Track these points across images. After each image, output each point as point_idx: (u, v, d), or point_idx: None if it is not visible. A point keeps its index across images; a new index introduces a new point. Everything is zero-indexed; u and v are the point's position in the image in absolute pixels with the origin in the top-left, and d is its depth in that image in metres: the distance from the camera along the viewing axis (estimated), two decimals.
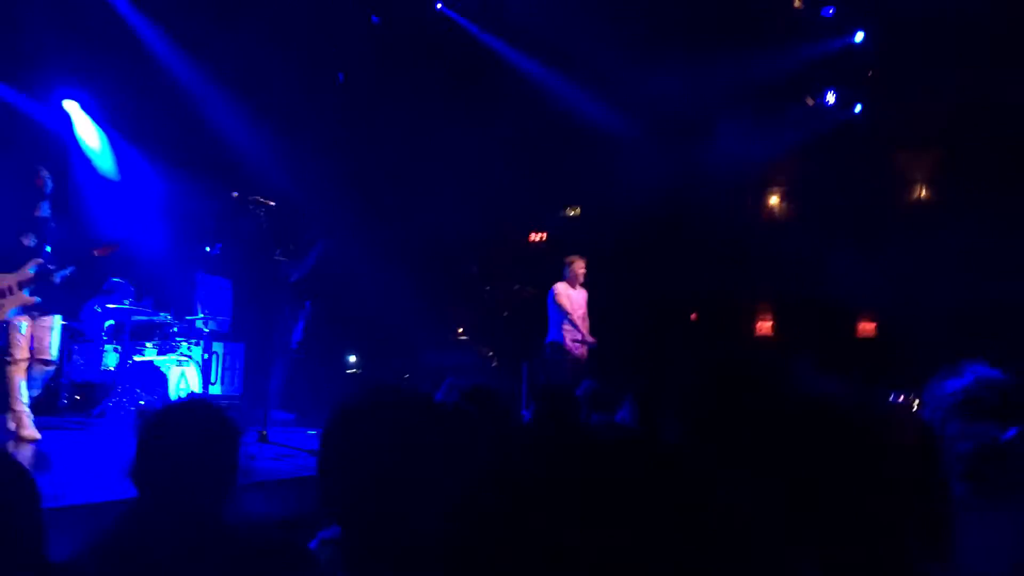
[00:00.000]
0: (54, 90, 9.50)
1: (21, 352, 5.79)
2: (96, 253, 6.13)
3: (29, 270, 5.95)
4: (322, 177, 10.31)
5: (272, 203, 5.94)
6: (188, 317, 8.50)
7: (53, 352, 5.98)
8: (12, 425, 5.67)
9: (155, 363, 7.87)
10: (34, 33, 8.48)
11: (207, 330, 8.57)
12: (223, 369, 9.37)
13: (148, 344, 7.99)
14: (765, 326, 12.15)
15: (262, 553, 1.99)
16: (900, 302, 9.51)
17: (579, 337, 8.28)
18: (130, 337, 7.69)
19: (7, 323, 5.85)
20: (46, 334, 5.94)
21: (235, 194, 6.01)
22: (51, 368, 6.09)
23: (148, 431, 1.95)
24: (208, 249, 9.51)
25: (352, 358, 12.30)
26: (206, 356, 8.54)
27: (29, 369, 5.85)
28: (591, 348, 8.30)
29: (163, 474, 1.90)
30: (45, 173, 6.05)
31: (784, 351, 10.78)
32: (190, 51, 9.81)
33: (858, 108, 10.80)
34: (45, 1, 8.69)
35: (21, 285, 5.87)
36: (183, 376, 8.14)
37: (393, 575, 1.41)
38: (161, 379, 7.77)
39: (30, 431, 5.67)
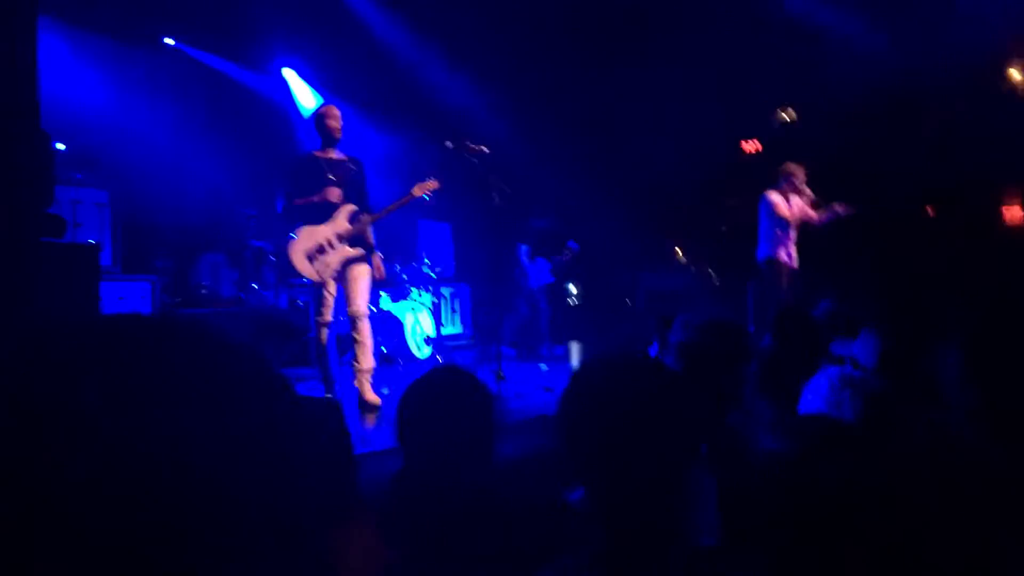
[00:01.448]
0: (272, 60, 10.11)
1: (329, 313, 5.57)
2: (416, 193, 5.86)
3: (345, 221, 5.66)
4: (532, 125, 10.36)
5: (485, 149, 6.02)
6: (415, 264, 8.89)
7: (361, 305, 5.66)
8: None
9: (391, 311, 8.30)
10: (248, 7, 9.00)
11: (434, 275, 8.93)
12: (452, 311, 9.81)
13: (382, 293, 8.44)
14: (1015, 214, 11.07)
15: (527, 513, 2.06)
16: None
17: (794, 251, 7.89)
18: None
19: (323, 283, 5.56)
20: (356, 285, 5.65)
21: (448, 143, 6.14)
22: (366, 323, 5.73)
23: (406, 403, 2.05)
24: (426, 197, 9.85)
25: (573, 288, 12.45)
26: (436, 300, 8.92)
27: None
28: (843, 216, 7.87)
29: (427, 446, 2.00)
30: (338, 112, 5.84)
31: None
32: (394, 8, 10.07)
33: None
34: None
35: (340, 237, 5.61)
36: (417, 321, 8.57)
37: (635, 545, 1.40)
38: (398, 325, 8.20)
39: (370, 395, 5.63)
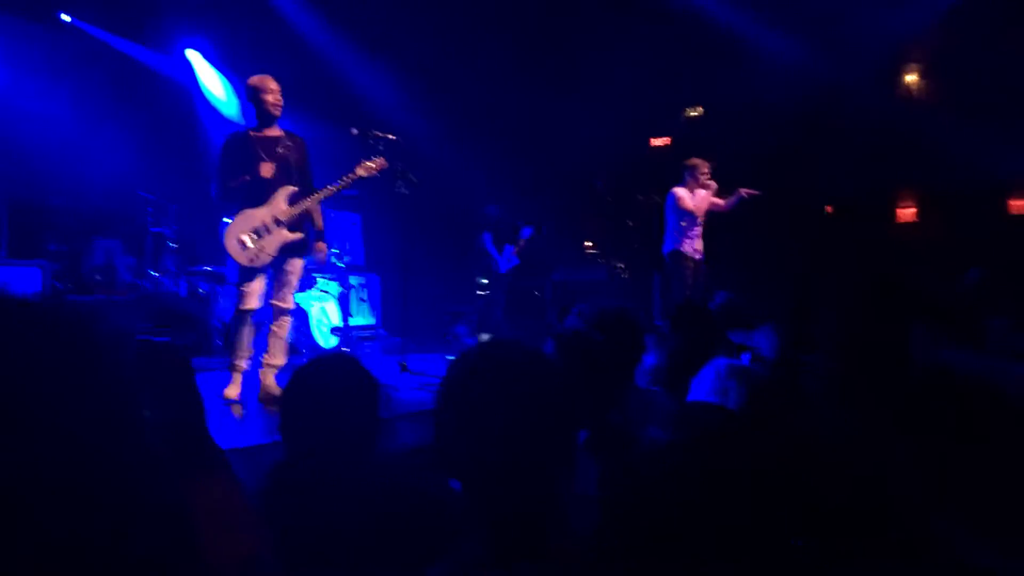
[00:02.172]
0: (176, 41, 9.79)
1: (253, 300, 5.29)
2: (360, 173, 5.55)
3: (284, 203, 5.30)
4: (441, 107, 10.29)
5: (392, 136, 5.93)
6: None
7: (289, 299, 5.49)
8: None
9: (296, 301, 8.14)
10: None
11: (342, 265, 8.80)
12: (360, 301, 9.68)
13: None
14: (907, 214, 11.53)
15: (409, 496, 2.03)
16: None
17: (699, 244, 8.06)
18: None
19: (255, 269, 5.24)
20: (287, 278, 5.44)
21: (354, 131, 6.02)
22: (288, 319, 5.57)
23: (290, 392, 2.00)
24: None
25: (483, 280, 12.45)
26: (343, 290, 8.79)
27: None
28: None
29: (308, 433, 1.95)
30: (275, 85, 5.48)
31: (929, 240, 10.24)
32: None
33: None
34: None
35: (278, 220, 5.27)
36: (323, 311, 8.43)
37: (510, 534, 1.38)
38: (303, 316, 8.05)
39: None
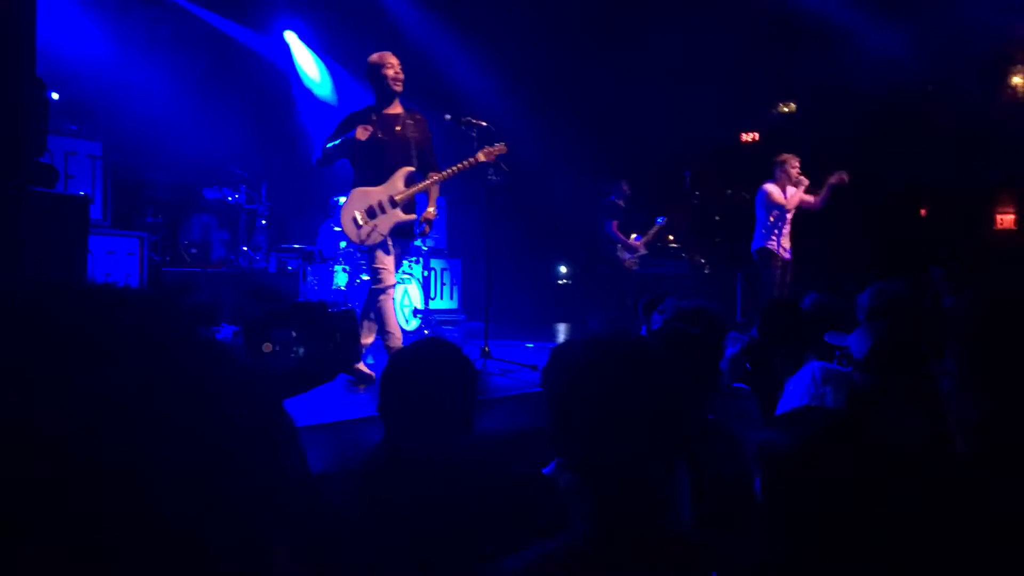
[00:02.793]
0: (275, 22, 10.02)
1: (390, 276, 5.40)
2: (481, 157, 5.58)
3: (401, 183, 5.34)
4: (533, 97, 10.30)
5: (484, 123, 5.95)
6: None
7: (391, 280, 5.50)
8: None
9: None
10: None
11: (425, 248, 8.89)
12: (442, 285, 9.79)
13: None
14: (1007, 219, 11.12)
15: (504, 482, 2.06)
16: None
17: (788, 243, 7.92)
18: (357, 256, 8.07)
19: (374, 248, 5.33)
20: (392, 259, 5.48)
21: (448, 116, 6.06)
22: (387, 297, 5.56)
23: (389, 373, 2.05)
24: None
25: (563, 268, 12.46)
26: (426, 273, 8.89)
27: None
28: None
29: (409, 410, 2.00)
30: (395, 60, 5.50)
31: None
32: None
33: None
34: None
35: (393, 201, 5.32)
36: (406, 293, 8.54)
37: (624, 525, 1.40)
38: None
39: None
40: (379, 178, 5.33)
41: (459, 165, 5.54)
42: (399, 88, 5.41)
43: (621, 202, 9.52)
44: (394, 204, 5.32)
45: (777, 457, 1.26)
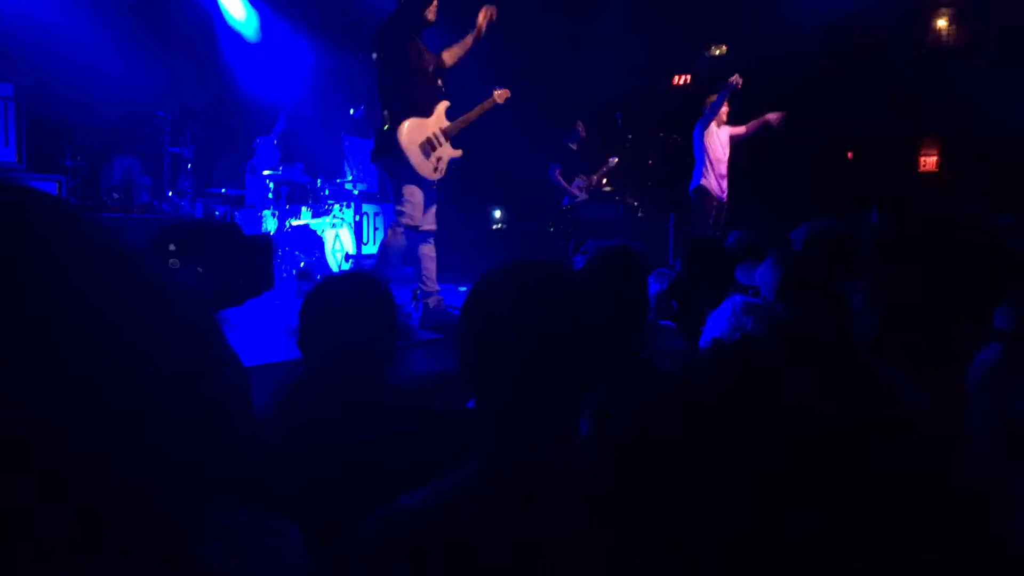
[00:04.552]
0: None
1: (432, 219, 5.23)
2: (498, 99, 5.50)
3: (444, 118, 5.20)
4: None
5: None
6: (338, 180, 8.72)
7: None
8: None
9: (311, 226, 8.17)
10: None
11: (356, 192, 8.79)
12: (374, 229, 9.69)
13: (303, 208, 8.28)
14: (929, 162, 11.40)
15: (424, 415, 2.06)
16: None
17: (723, 184, 8.03)
18: (286, 202, 7.96)
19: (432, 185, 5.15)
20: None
21: (374, 55, 5.94)
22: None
23: (308, 305, 2.03)
24: (352, 112, 9.65)
25: (497, 213, 12.43)
26: (357, 218, 8.79)
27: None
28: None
29: (326, 343, 1.98)
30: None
31: (950, 190, 10.15)
32: None
33: None
34: None
35: (445, 134, 5.18)
36: (337, 238, 8.46)
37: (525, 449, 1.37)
38: (317, 241, 8.08)
39: None
40: (426, 110, 5.15)
41: (480, 107, 5.47)
42: (433, 18, 5.29)
43: (574, 145, 9.45)
44: (446, 137, 5.18)
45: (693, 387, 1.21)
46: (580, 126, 9.39)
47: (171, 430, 0.59)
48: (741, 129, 8.05)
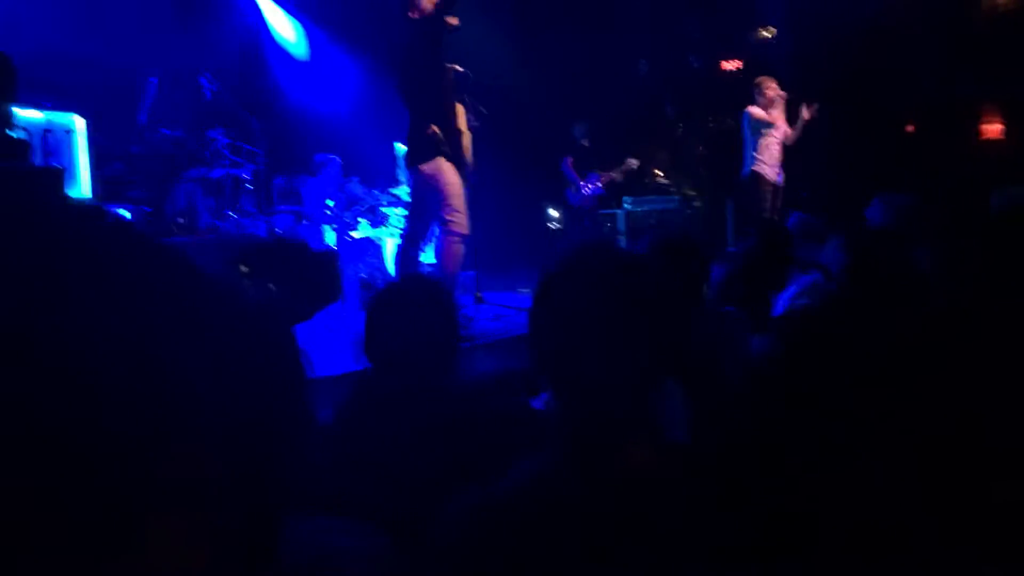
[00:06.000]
0: None
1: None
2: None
3: (463, 119, 5.30)
4: (512, 42, 10.17)
5: (459, 68, 5.85)
6: (394, 189, 8.81)
7: None
8: None
9: (370, 237, 8.26)
10: None
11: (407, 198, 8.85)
12: (433, 236, 9.75)
13: (361, 219, 8.37)
14: (993, 130, 11.05)
15: (490, 414, 2.08)
16: None
17: (778, 168, 7.90)
18: (345, 215, 8.04)
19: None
20: None
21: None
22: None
23: (373, 310, 2.06)
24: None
25: (552, 212, 12.42)
26: None
27: None
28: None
29: (390, 347, 2.01)
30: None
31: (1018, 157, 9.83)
32: None
33: None
34: None
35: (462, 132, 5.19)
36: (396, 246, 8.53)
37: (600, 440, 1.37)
38: (377, 251, 8.16)
39: None
40: (453, 110, 5.16)
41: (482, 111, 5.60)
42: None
43: (586, 141, 9.39)
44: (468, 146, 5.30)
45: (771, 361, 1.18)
46: (584, 123, 9.33)
47: (250, 436, 0.61)
48: (791, 132, 7.95)
